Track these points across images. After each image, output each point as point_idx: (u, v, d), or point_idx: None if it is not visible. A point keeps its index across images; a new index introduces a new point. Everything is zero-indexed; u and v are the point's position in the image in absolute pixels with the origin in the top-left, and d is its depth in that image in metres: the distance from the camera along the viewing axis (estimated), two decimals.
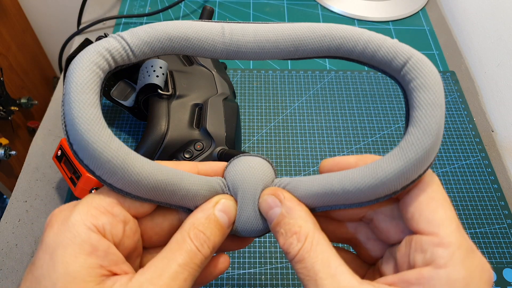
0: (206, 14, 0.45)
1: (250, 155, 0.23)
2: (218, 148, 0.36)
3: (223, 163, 0.24)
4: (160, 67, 0.38)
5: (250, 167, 0.22)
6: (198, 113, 0.38)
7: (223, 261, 0.24)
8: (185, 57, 0.44)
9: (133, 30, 0.20)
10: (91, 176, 0.35)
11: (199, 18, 0.45)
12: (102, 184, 0.27)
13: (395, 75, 0.20)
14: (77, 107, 0.17)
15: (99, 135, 0.18)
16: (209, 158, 0.36)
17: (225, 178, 0.23)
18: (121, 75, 0.47)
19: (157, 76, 0.37)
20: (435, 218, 0.18)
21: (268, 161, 0.23)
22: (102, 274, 0.17)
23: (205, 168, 0.23)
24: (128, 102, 0.43)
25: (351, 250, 0.25)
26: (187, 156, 0.35)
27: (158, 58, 0.40)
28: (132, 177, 0.19)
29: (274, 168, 0.23)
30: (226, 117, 0.38)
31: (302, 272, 0.19)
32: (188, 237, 0.20)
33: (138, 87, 0.39)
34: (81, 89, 0.18)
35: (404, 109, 0.21)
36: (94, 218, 0.18)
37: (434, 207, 0.18)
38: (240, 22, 0.21)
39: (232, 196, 0.22)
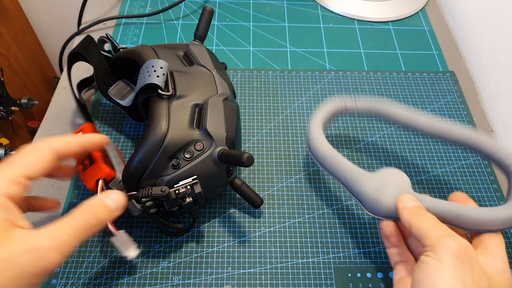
0: (206, 15, 0.45)
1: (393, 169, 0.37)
2: (218, 148, 0.36)
3: None
4: (161, 67, 0.38)
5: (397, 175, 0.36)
6: (198, 113, 0.38)
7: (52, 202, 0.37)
8: (185, 57, 0.44)
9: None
10: (103, 166, 0.36)
11: (199, 18, 0.45)
12: (109, 176, 0.36)
13: (503, 167, 0.36)
14: (311, 131, 0.40)
15: (320, 143, 0.39)
16: (209, 158, 0.36)
17: None
18: (120, 75, 0.47)
19: (158, 76, 0.37)
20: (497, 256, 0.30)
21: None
22: (9, 225, 0.25)
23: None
24: (125, 102, 0.43)
25: None
26: (187, 156, 0.35)
27: (158, 58, 0.40)
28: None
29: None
30: (226, 117, 0.38)
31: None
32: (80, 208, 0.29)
33: (138, 87, 0.39)
34: (314, 127, 0.41)
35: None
36: (6, 186, 0.26)
37: (499, 250, 0.31)
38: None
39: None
